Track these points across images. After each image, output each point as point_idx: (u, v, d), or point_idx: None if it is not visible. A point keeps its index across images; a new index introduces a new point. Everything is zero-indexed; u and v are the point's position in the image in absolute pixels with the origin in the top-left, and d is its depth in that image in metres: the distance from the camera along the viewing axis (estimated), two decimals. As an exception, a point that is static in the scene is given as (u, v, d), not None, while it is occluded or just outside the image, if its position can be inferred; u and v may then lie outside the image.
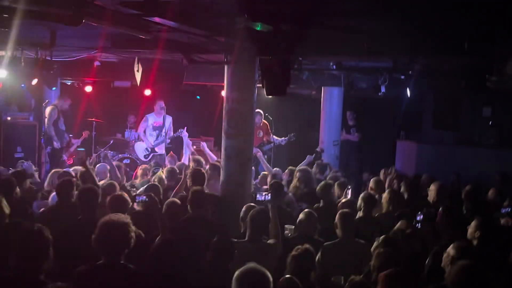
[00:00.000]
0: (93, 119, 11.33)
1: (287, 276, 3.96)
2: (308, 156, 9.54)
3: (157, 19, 4.86)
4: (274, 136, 10.73)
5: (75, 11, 3.74)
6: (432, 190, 6.93)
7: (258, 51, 5.59)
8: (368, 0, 4.69)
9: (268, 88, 5.71)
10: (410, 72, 8.17)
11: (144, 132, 11.09)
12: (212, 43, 6.31)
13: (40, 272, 3.61)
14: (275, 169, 9.45)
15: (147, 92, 11.57)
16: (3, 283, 3.62)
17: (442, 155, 10.68)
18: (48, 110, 10.10)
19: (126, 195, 5.34)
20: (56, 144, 9.98)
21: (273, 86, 5.61)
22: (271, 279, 3.31)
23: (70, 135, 10.72)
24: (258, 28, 4.96)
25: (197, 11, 5.13)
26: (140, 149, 11.11)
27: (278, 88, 5.62)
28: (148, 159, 10.84)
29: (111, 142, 11.47)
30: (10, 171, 7.42)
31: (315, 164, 9.46)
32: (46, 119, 10.05)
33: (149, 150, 11.00)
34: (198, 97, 13.86)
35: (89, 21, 4.22)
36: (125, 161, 11.07)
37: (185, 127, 10.28)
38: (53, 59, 8.05)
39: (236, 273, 3.32)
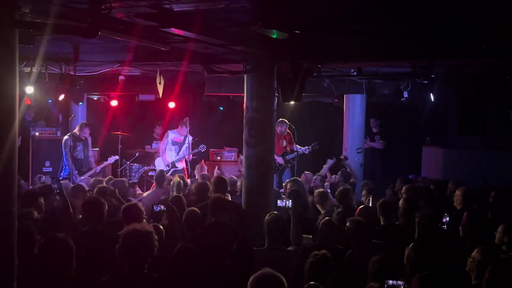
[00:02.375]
0: (119, 132, 11.50)
1: (312, 283, 3.90)
2: (328, 160, 9.48)
3: (173, 30, 4.93)
4: (297, 145, 10.70)
5: (91, 23, 3.83)
6: (457, 195, 6.85)
7: (273, 58, 5.60)
8: (384, 3, 4.68)
9: (283, 94, 5.71)
10: (432, 76, 8.05)
11: (165, 149, 11.16)
12: (230, 53, 6.35)
13: (65, 281, 3.65)
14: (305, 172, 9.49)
15: (171, 104, 11.71)
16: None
17: (469, 160, 10.49)
18: (63, 140, 9.90)
19: (140, 205, 5.36)
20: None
21: (288, 93, 5.61)
22: (286, 284, 3.29)
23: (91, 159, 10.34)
24: (274, 36, 4.97)
25: (212, 20, 5.18)
26: (161, 164, 11.19)
27: (294, 94, 5.61)
28: (168, 174, 10.91)
29: (137, 155, 11.60)
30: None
31: (340, 172, 9.41)
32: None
33: (169, 165, 11.06)
34: (221, 108, 13.93)
35: (105, 33, 4.32)
36: (150, 173, 11.20)
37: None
38: (77, 74, 8.21)
39: (251, 278, 3.31)
